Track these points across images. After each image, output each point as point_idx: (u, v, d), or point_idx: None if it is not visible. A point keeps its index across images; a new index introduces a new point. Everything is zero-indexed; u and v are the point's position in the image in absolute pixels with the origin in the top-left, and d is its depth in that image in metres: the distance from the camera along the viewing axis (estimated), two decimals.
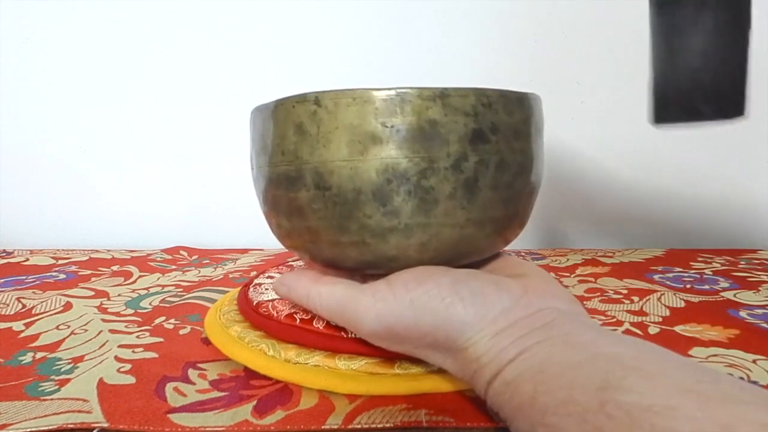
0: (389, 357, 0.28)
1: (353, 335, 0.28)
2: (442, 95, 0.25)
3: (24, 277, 0.52)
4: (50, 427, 0.25)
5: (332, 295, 0.26)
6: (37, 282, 0.50)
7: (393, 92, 0.25)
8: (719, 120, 0.29)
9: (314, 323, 0.29)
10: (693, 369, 0.18)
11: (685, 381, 0.17)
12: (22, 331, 0.37)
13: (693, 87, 0.28)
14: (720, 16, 0.28)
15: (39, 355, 0.33)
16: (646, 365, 0.18)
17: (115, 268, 0.57)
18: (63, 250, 0.66)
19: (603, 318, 0.39)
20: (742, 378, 0.29)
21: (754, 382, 0.28)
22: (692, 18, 0.28)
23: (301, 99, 0.26)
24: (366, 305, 0.25)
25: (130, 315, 0.41)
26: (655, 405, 0.16)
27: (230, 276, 0.53)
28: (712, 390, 0.17)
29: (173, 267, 0.58)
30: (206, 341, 0.34)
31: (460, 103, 0.25)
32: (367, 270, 0.29)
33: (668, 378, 0.17)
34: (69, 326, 0.38)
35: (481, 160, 0.26)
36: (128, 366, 0.31)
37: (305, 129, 0.26)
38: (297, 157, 0.26)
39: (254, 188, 0.31)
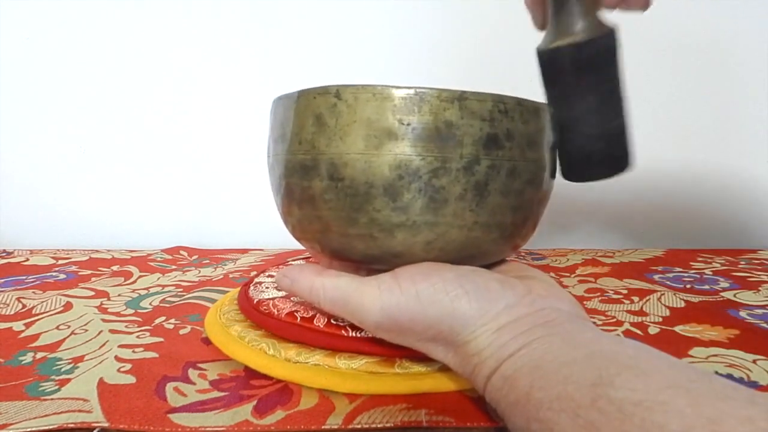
0: (390, 356, 0.28)
1: (354, 334, 0.28)
2: (461, 98, 0.25)
3: (24, 277, 0.52)
4: (50, 427, 0.25)
5: (336, 287, 0.26)
6: (37, 282, 0.50)
7: (412, 91, 0.25)
8: (613, 176, 0.33)
9: (315, 321, 0.29)
10: (687, 369, 0.19)
11: (678, 379, 0.17)
12: (22, 331, 0.37)
13: (590, 153, 0.32)
14: (598, 88, 0.31)
15: (39, 355, 0.33)
16: (641, 363, 0.19)
17: (115, 268, 0.57)
18: (63, 250, 0.66)
19: (603, 318, 0.39)
20: (741, 378, 0.29)
21: (754, 382, 0.28)
22: (575, 90, 0.31)
23: (322, 91, 0.26)
24: (371, 297, 0.25)
25: (130, 315, 0.41)
26: (646, 400, 0.17)
27: (230, 276, 0.53)
28: (704, 388, 0.17)
29: (173, 267, 0.58)
30: (206, 341, 0.34)
31: (478, 107, 0.26)
32: (372, 264, 0.29)
33: (661, 375, 0.18)
34: (69, 326, 0.38)
35: (493, 165, 0.26)
36: (128, 366, 0.31)
37: (324, 120, 0.26)
38: (314, 147, 0.27)
39: (269, 176, 0.31)
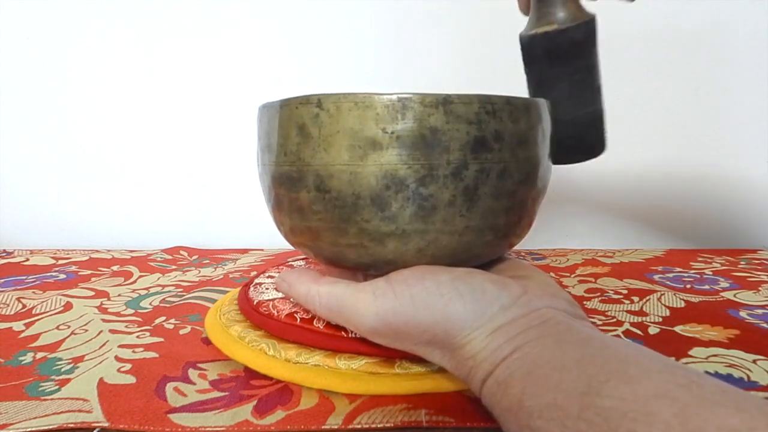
0: (389, 357, 0.28)
1: (353, 335, 0.28)
2: (445, 102, 0.25)
3: (24, 277, 0.52)
4: (50, 427, 0.25)
5: (331, 294, 0.26)
6: (37, 282, 0.50)
7: (395, 98, 0.25)
8: (584, 160, 0.34)
9: (315, 323, 0.29)
10: (677, 372, 0.18)
11: (667, 385, 0.17)
12: (22, 331, 0.37)
13: (562, 138, 0.32)
14: (570, 78, 0.32)
15: (39, 355, 0.33)
16: (631, 368, 0.19)
17: (115, 268, 0.57)
18: (63, 250, 0.66)
19: (603, 318, 0.39)
20: (742, 378, 0.29)
21: (754, 382, 0.28)
22: (548, 77, 0.32)
23: (304, 100, 0.26)
24: (366, 302, 0.25)
25: (130, 315, 0.41)
26: (633, 411, 0.17)
27: (230, 276, 0.53)
28: (692, 395, 0.17)
29: (173, 267, 0.58)
30: (206, 341, 0.34)
31: (463, 111, 0.25)
32: (366, 271, 0.29)
33: (651, 382, 0.18)
34: (69, 326, 0.38)
35: (482, 169, 0.25)
36: (128, 366, 0.31)
37: (307, 131, 0.26)
38: (299, 159, 0.26)
39: (260, 184, 0.31)
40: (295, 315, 0.30)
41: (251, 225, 0.72)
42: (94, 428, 0.25)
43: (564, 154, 0.33)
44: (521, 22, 0.34)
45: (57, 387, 0.28)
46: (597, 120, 0.33)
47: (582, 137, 0.33)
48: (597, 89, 0.33)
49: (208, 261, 0.61)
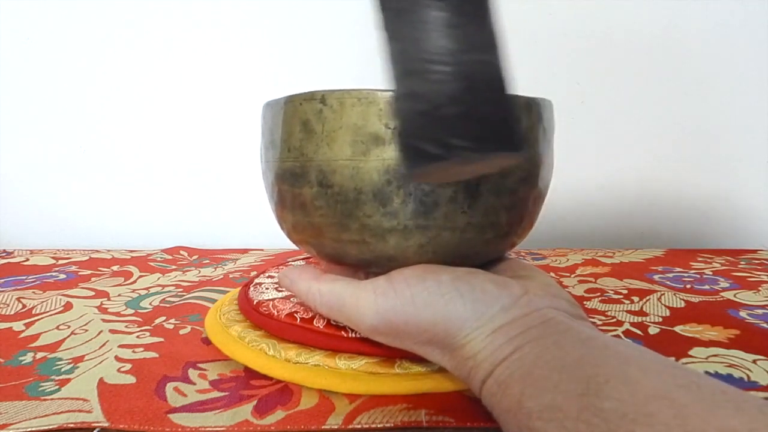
0: (390, 357, 0.28)
1: (354, 335, 0.28)
2: None
3: (24, 277, 0.52)
4: (50, 427, 0.25)
5: (332, 292, 0.26)
6: (37, 282, 0.50)
7: None
8: (482, 151, 0.18)
9: (315, 322, 0.29)
10: (677, 373, 0.18)
11: (666, 386, 0.17)
12: (22, 331, 0.37)
13: (439, 103, 0.18)
14: None
15: (39, 355, 0.33)
16: (630, 369, 0.19)
17: (115, 268, 0.57)
18: (63, 250, 0.66)
19: (603, 318, 0.39)
20: (742, 378, 0.29)
21: (754, 382, 0.28)
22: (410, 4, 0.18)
23: (308, 97, 0.26)
24: (367, 300, 0.25)
25: (130, 315, 0.41)
26: (632, 412, 0.17)
27: (230, 276, 0.53)
28: (691, 396, 0.17)
29: (173, 267, 0.58)
30: (206, 341, 0.34)
31: None
32: (367, 268, 0.29)
33: (650, 383, 0.18)
34: (69, 326, 0.38)
35: None
36: (128, 366, 0.31)
37: (311, 127, 0.26)
38: (302, 154, 0.27)
39: (263, 181, 0.31)
40: (295, 315, 0.30)
41: (251, 225, 0.72)
42: (94, 428, 0.25)
43: (443, 136, 0.18)
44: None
45: (57, 387, 0.28)
46: (498, 80, 0.18)
47: (476, 106, 0.18)
48: (493, 29, 0.19)
49: (208, 261, 0.61)
